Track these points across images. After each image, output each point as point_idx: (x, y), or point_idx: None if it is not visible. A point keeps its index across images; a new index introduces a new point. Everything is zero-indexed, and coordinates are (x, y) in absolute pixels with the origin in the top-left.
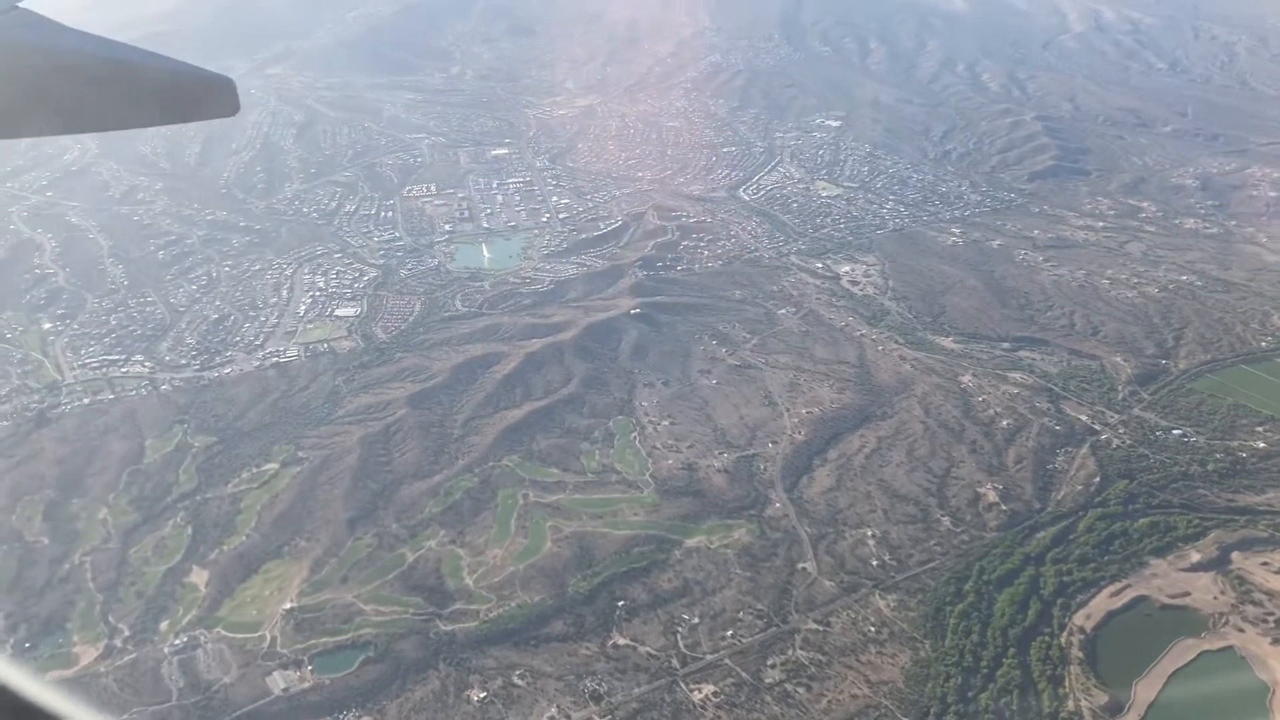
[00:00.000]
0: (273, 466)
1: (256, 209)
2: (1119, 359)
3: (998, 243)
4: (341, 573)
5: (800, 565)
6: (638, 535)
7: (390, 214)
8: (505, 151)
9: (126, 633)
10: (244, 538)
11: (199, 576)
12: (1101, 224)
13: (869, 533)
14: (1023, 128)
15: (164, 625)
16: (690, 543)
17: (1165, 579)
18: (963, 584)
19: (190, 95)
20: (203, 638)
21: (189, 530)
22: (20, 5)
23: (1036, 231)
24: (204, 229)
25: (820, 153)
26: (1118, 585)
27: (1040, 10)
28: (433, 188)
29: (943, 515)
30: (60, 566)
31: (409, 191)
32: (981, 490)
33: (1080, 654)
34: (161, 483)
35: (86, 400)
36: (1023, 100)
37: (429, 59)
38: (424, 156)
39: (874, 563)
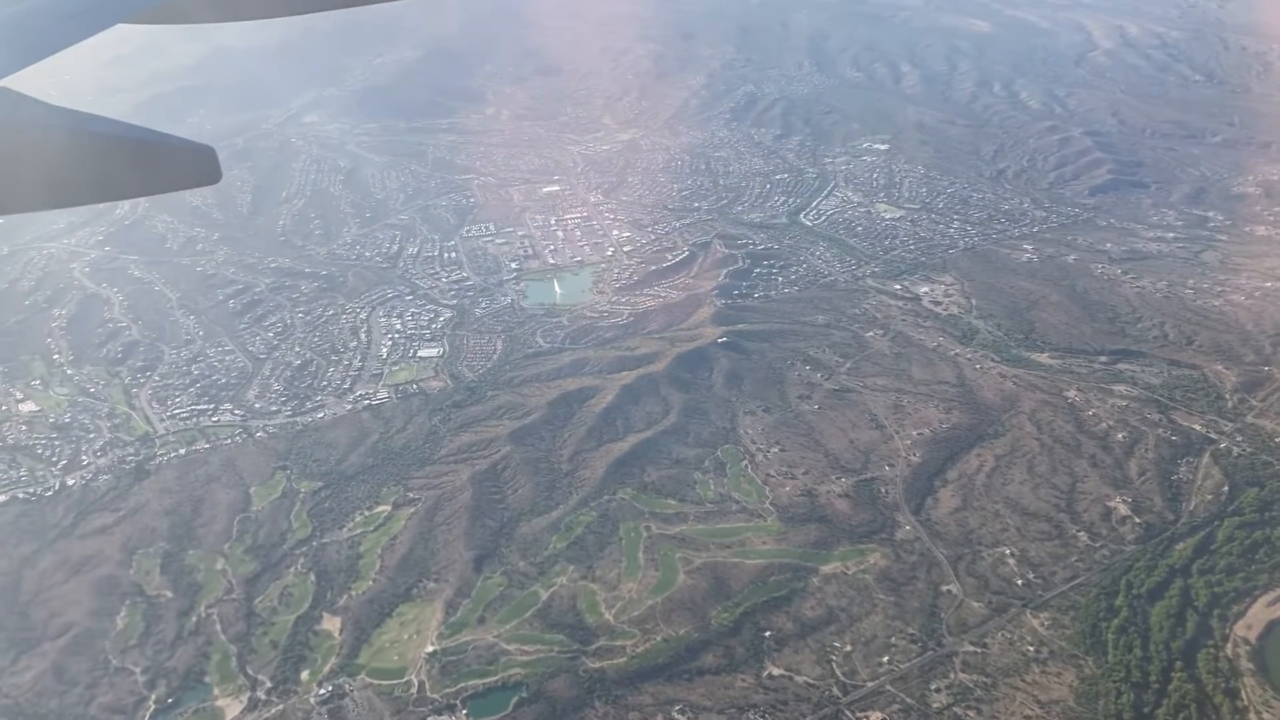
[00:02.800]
0: (385, 509)
1: (318, 255)
2: (1220, 367)
3: (1073, 258)
4: (477, 613)
5: (944, 587)
6: (771, 564)
7: (453, 254)
8: (557, 188)
9: (268, 684)
10: (370, 582)
11: (331, 623)
12: (1172, 235)
13: (1006, 552)
14: (1073, 144)
15: (305, 675)
16: (826, 569)
17: None
18: (1112, 599)
19: (172, 165)
20: (347, 686)
21: (312, 577)
22: (1, 85)
23: (1109, 245)
24: (270, 277)
25: (874, 176)
26: (1272, 594)
27: (1063, 29)
28: (490, 227)
29: (1078, 531)
30: (187, 619)
31: (468, 231)
32: (1111, 504)
33: (1250, 665)
34: (274, 530)
35: (182, 450)
36: (1065, 117)
37: (462, 101)
38: (476, 197)
39: (1018, 582)
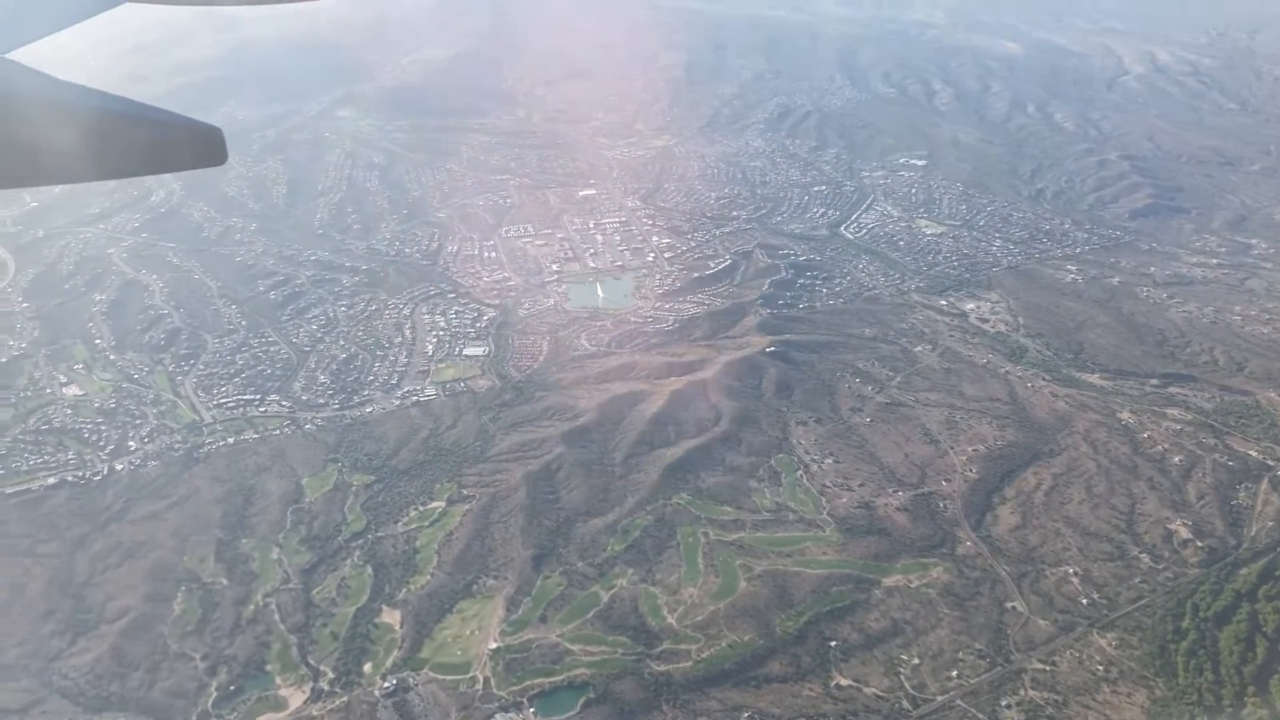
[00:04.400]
0: (439, 505)
1: (358, 249)
2: (1273, 394)
3: (1117, 280)
4: (538, 612)
5: (1008, 604)
6: (832, 574)
7: (493, 254)
8: (593, 192)
9: (330, 675)
10: (429, 577)
11: (391, 616)
12: (1215, 260)
13: (1070, 570)
14: (1110, 166)
15: (367, 667)
16: (888, 582)
17: None
18: (1179, 622)
19: (178, 144)
20: (412, 680)
21: (369, 570)
22: (5, 56)
23: (1153, 268)
24: (310, 269)
25: (912, 191)
26: None
27: (1094, 52)
28: (529, 228)
29: (1140, 552)
30: (245, 608)
31: (506, 231)
32: (1172, 527)
33: None
34: (329, 522)
35: (230, 440)
36: (1100, 140)
37: (493, 102)
38: (513, 198)
39: (1083, 601)
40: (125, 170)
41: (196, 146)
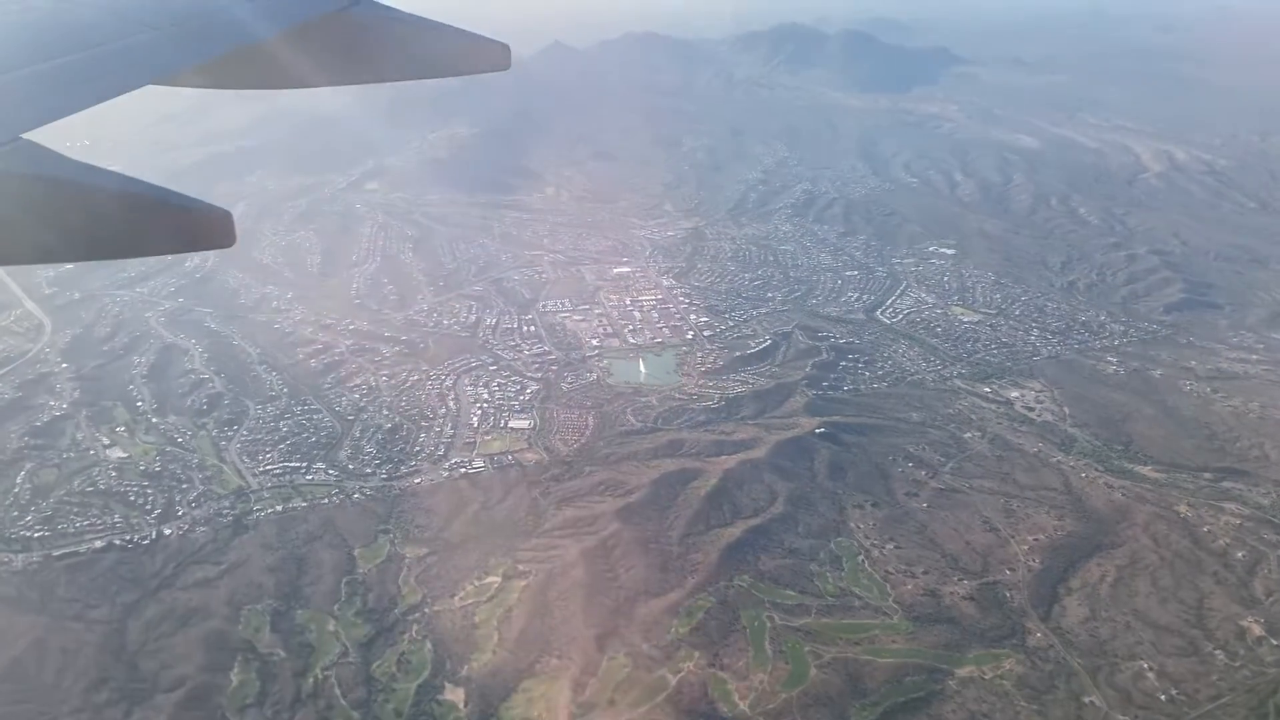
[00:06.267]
0: (495, 580)
1: (395, 320)
2: None
3: (1159, 373)
4: (606, 694)
5: (1085, 698)
6: (904, 664)
7: (532, 328)
8: (627, 270)
9: None
10: (491, 654)
11: (454, 694)
12: (1255, 357)
13: (1144, 665)
14: (1140, 261)
15: None
16: (961, 672)
17: None
18: None
19: (189, 227)
20: None
21: (429, 645)
22: (23, 136)
23: (1194, 363)
24: (349, 338)
25: (944, 279)
26: None
27: (1111, 149)
28: (566, 303)
29: (1214, 649)
30: (303, 680)
31: (544, 306)
32: (1244, 623)
33: None
34: (384, 594)
35: (279, 507)
36: (1126, 234)
37: (521, 179)
38: (548, 273)
39: (1161, 697)
40: (136, 251)
41: (207, 229)
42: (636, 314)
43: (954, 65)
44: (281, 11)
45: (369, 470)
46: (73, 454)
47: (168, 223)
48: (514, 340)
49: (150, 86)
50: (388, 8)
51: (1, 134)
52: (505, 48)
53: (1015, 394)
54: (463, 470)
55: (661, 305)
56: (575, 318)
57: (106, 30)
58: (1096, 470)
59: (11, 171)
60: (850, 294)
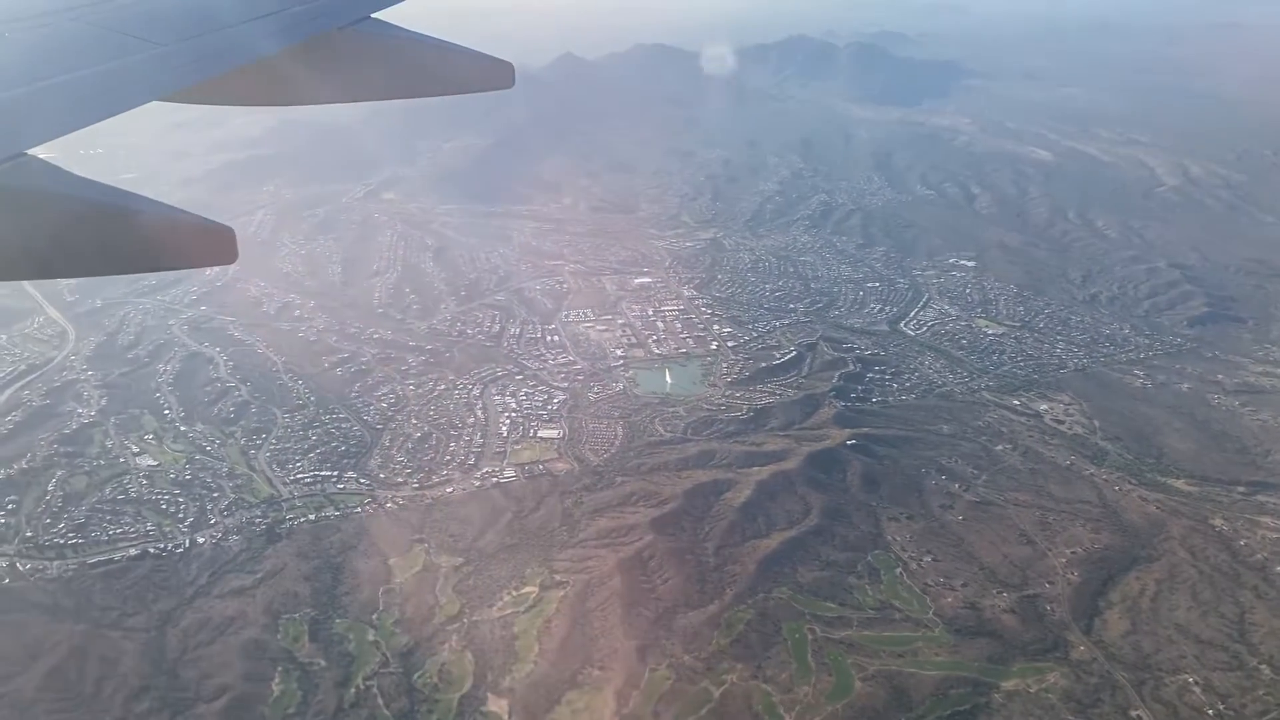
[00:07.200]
0: (532, 590)
1: (419, 329)
2: None
3: (1186, 386)
4: (650, 706)
5: (1132, 712)
6: (948, 677)
7: (556, 338)
8: (649, 280)
9: None
10: (532, 665)
11: (498, 705)
12: None
13: (1190, 679)
14: (1160, 275)
15: None
16: (1007, 686)
17: None
18: None
19: (191, 242)
20: None
21: (469, 655)
22: (26, 152)
23: (1221, 376)
24: (374, 347)
25: (966, 291)
26: None
27: (1125, 163)
28: (589, 313)
29: (1259, 663)
30: (345, 690)
31: (567, 316)
32: None
33: None
34: (422, 604)
35: (311, 516)
36: (1145, 248)
37: (537, 189)
38: (569, 283)
39: (1209, 711)
40: (138, 267)
41: (209, 246)
42: (659, 324)
43: (964, 78)
44: (285, 28)
45: (400, 479)
46: (103, 461)
47: (170, 239)
48: (539, 350)
49: None
50: (392, 25)
51: (5, 150)
52: (509, 66)
53: (1044, 406)
54: (494, 480)
55: (684, 316)
56: (599, 328)
57: (110, 47)
58: (1130, 483)
59: (14, 187)
60: (873, 305)
